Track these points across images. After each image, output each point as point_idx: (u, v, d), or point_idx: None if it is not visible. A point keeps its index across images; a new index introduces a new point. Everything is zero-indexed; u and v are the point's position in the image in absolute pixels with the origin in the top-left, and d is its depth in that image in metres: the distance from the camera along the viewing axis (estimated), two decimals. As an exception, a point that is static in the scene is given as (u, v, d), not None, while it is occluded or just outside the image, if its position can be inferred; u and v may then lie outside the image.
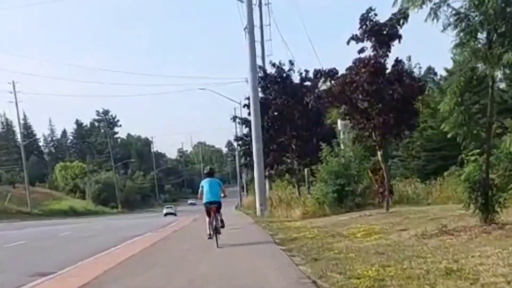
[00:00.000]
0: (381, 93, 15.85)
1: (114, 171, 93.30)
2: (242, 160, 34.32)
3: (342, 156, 20.24)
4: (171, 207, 64.20)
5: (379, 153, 16.51)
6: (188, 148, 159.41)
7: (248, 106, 27.50)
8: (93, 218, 55.05)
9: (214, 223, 11.42)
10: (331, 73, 19.47)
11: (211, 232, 11.49)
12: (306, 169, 24.65)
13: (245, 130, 31.66)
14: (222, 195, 11.74)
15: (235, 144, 57.81)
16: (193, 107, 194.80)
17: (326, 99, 17.42)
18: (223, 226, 11.70)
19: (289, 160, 29.71)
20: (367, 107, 16.11)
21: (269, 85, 28.57)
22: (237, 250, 10.99)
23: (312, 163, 27.45)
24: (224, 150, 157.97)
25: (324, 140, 28.23)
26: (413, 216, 13.56)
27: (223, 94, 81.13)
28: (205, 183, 11.62)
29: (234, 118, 33.72)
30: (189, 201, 74.69)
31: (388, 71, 16.16)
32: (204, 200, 11.51)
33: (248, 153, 30.61)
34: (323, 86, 22.07)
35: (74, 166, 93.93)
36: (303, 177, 28.73)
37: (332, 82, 17.55)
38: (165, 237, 16.45)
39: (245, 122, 30.57)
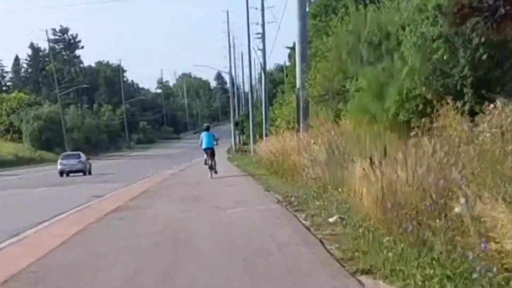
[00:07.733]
0: None
1: (67, 103, 70.26)
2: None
3: None
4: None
5: None
6: (172, 81, 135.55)
7: None
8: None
9: (210, 162, 17.99)
10: None
11: (209, 164, 18.07)
12: None
13: None
14: (215, 143, 18.76)
15: None
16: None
17: None
18: (216, 172, 18.11)
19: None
20: None
21: None
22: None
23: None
24: (213, 83, 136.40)
25: None
26: None
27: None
28: (204, 135, 18.54)
29: None
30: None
31: None
32: (203, 147, 18.34)
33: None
34: None
35: (12, 98, 69.53)
36: None
37: None
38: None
39: None
